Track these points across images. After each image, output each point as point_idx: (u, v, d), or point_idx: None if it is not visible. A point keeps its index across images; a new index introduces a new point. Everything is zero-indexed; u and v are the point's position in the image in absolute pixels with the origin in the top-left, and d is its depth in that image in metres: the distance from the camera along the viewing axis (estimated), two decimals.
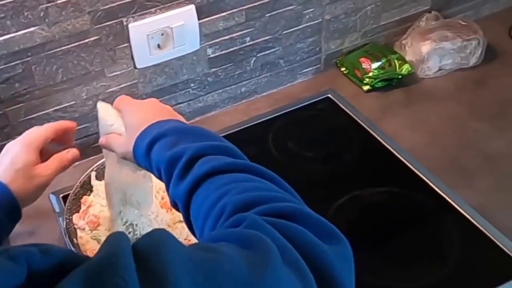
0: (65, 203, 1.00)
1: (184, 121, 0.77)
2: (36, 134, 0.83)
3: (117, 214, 0.92)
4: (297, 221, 0.53)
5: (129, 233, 0.91)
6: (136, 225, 0.90)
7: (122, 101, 0.82)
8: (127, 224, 0.92)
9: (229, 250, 0.48)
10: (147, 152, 0.71)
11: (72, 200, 0.98)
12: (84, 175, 1.02)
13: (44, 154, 0.83)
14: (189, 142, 0.68)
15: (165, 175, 0.68)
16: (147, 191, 0.91)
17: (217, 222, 0.56)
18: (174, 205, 0.67)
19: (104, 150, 0.86)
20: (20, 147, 0.81)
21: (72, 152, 0.85)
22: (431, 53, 1.30)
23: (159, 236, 0.46)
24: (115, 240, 0.45)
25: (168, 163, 0.67)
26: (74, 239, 0.93)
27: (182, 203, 0.64)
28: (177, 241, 0.46)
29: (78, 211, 0.98)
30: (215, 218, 0.57)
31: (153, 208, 0.92)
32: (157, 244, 0.44)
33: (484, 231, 0.98)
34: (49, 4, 0.98)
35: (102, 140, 0.83)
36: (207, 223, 0.58)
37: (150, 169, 0.72)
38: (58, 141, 0.86)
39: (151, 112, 0.77)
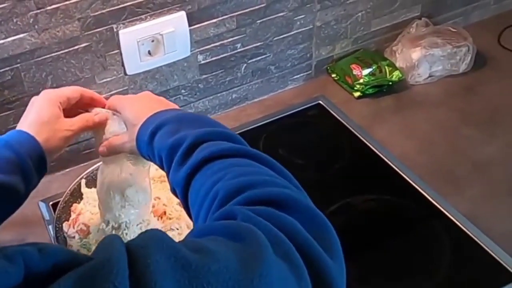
0: (54, 211, 0.99)
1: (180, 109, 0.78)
2: (61, 90, 0.84)
3: (107, 221, 0.92)
4: (288, 208, 0.53)
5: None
6: (127, 234, 0.89)
7: (115, 100, 0.83)
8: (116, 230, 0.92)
9: (218, 247, 0.47)
10: (150, 141, 0.72)
11: (62, 208, 0.97)
12: (74, 182, 1.01)
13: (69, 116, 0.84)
14: (190, 129, 0.68)
15: (166, 162, 0.68)
16: (146, 189, 0.91)
17: (210, 208, 0.57)
18: (174, 192, 0.68)
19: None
20: (45, 101, 0.81)
21: (100, 115, 0.84)
22: (421, 59, 1.30)
23: (150, 237, 0.46)
24: (109, 244, 0.44)
25: (169, 150, 0.67)
26: (45, 242, 0.91)
27: (181, 189, 0.65)
28: (166, 241, 0.45)
29: (68, 219, 0.97)
30: (209, 204, 0.57)
31: (144, 216, 0.91)
32: (146, 245, 0.44)
33: (475, 238, 0.99)
34: (38, 11, 0.98)
35: (102, 148, 0.83)
36: (202, 210, 0.58)
37: (152, 159, 0.73)
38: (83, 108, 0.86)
39: (148, 103, 0.78)
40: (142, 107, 0.77)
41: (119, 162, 0.86)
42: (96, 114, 0.84)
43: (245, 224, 0.50)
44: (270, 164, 0.62)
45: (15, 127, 1.04)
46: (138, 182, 0.89)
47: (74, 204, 0.99)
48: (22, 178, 0.75)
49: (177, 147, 0.66)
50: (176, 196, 0.68)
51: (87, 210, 0.98)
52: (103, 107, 0.86)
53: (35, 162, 0.76)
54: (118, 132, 0.82)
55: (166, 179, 1.00)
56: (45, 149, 0.78)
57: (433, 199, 1.05)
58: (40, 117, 0.80)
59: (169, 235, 0.46)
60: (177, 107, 0.79)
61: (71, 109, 0.84)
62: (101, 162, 0.89)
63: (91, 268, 0.41)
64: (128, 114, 0.79)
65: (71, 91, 0.84)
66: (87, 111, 0.86)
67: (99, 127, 0.84)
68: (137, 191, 0.89)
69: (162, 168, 0.71)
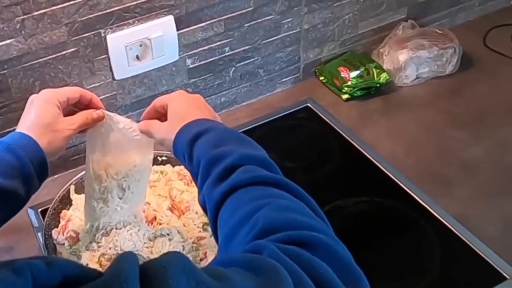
0: (43, 217, 0.99)
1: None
2: (61, 90, 0.83)
3: (97, 225, 0.92)
4: (323, 254, 0.53)
5: (110, 247, 0.89)
6: (117, 240, 0.89)
7: (166, 96, 0.83)
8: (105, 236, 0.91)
9: (240, 277, 0.47)
10: (192, 141, 0.72)
11: (51, 215, 0.96)
12: (63, 189, 1.00)
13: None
14: (233, 145, 0.69)
15: (202, 171, 0.69)
16: (144, 184, 0.91)
17: (248, 235, 0.57)
18: (203, 204, 0.69)
19: (95, 137, 0.86)
20: (44, 101, 0.80)
21: (98, 112, 0.84)
22: (408, 61, 1.31)
23: (173, 258, 0.45)
24: (122, 260, 0.44)
25: (209, 160, 0.68)
26: (54, 255, 0.91)
27: (213, 205, 0.65)
28: (188, 265, 0.45)
29: (57, 226, 0.97)
30: (246, 232, 0.57)
31: (134, 223, 0.91)
32: (168, 265, 0.44)
33: (464, 239, 1.00)
34: (25, 16, 0.97)
35: (141, 124, 0.83)
36: (238, 234, 0.58)
37: (186, 159, 0.73)
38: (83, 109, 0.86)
39: (199, 107, 0.79)
40: (193, 107, 0.78)
41: (127, 150, 0.87)
42: (94, 110, 0.84)
43: (270, 260, 0.50)
44: (307, 201, 0.62)
45: (2, 134, 1.05)
46: (141, 174, 0.89)
47: (63, 211, 0.99)
48: (23, 182, 0.75)
49: (218, 162, 0.67)
50: (203, 208, 0.69)
51: (77, 217, 0.97)
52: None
53: (36, 167, 0.76)
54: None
55: (155, 184, 1.01)
56: (47, 151, 0.77)
57: (422, 201, 1.06)
58: (40, 118, 0.79)
59: (190, 260, 0.46)
60: (220, 120, 0.80)
61: (69, 110, 0.84)
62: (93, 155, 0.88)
63: (101, 283, 0.41)
64: (176, 107, 0.79)
65: (71, 92, 0.83)
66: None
67: (97, 124, 0.85)
68: (137, 185, 0.89)
69: (190, 171, 0.73)
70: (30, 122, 0.79)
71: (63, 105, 0.81)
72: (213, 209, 0.65)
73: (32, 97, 0.82)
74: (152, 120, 0.82)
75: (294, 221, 0.57)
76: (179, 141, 0.75)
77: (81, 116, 0.83)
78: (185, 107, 0.79)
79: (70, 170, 1.14)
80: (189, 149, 0.72)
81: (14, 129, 1.04)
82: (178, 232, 0.91)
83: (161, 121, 0.81)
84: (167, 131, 0.78)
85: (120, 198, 0.90)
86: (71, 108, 0.84)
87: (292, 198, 0.62)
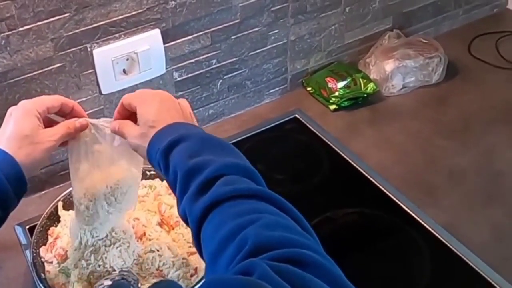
0: (31, 234, 0.98)
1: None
2: (40, 99, 0.80)
3: (85, 240, 0.91)
4: (315, 272, 0.52)
5: (99, 265, 0.89)
6: (106, 257, 0.88)
7: (133, 94, 0.79)
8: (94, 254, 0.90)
9: None
10: (167, 151, 0.69)
11: (39, 233, 0.95)
12: (51, 205, 0.99)
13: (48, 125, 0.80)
14: (212, 154, 0.67)
15: (180, 183, 0.67)
16: (134, 194, 0.89)
17: (237, 254, 0.55)
18: (183, 216, 0.67)
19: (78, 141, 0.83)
20: (22, 113, 0.77)
21: (81, 120, 0.81)
22: (395, 71, 1.32)
23: None
24: None
25: (187, 172, 0.66)
26: (42, 274, 0.90)
27: (195, 220, 0.63)
28: None
29: (45, 244, 0.96)
30: (235, 251, 0.56)
31: (124, 239, 0.90)
32: None
33: (453, 248, 1.00)
34: (10, 32, 0.96)
35: (114, 124, 0.79)
36: (226, 252, 0.57)
37: (162, 169, 0.71)
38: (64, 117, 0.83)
39: (168, 110, 0.75)
40: (162, 110, 0.74)
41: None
42: (76, 119, 0.81)
43: (261, 283, 0.49)
44: (293, 214, 0.61)
45: None
46: (129, 185, 0.88)
47: (52, 228, 0.98)
48: None
49: (197, 173, 0.65)
50: (185, 221, 0.67)
51: (65, 234, 0.96)
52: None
53: (12, 182, 0.73)
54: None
55: (144, 199, 1.00)
56: (26, 165, 0.75)
57: (411, 211, 1.06)
58: (19, 130, 0.76)
59: None
60: (195, 122, 0.77)
61: (50, 120, 0.81)
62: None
63: None
64: (146, 112, 0.75)
65: (51, 100, 0.80)
66: None
67: (80, 133, 0.82)
68: (125, 196, 0.88)
69: (167, 180, 0.70)
70: (7, 135, 0.76)
71: (43, 115, 0.79)
72: (195, 223, 0.63)
73: (11, 109, 0.79)
74: (126, 121, 0.78)
75: (285, 239, 0.56)
76: (152, 150, 0.72)
77: (63, 126, 0.80)
78: (155, 111, 0.74)
79: (58, 186, 1.13)
80: (164, 158, 0.70)
81: None
82: (168, 248, 0.90)
83: (132, 119, 0.78)
84: (140, 137, 0.75)
85: (108, 210, 0.88)
86: (52, 119, 0.82)
87: (279, 213, 0.61)
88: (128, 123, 0.78)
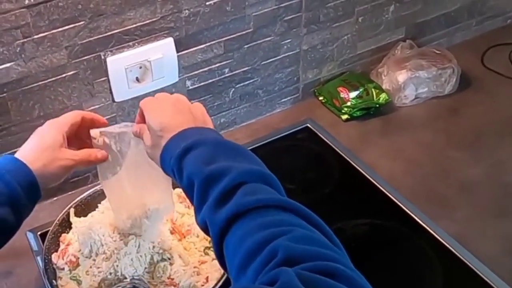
0: (43, 241, 0.98)
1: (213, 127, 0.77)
2: (64, 118, 0.84)
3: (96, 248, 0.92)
4: (346, 285, 0.52)
5: (111, 273, 0.89)
6: (118, 265, 0.88)
7: (145, 101, 0.80)
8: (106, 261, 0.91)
9: None
10: (180, 157, 0.69)
11: (51, 239, 0.96)
12: (63, 212, 1.00)
13: (73, 143, 0.84)
14: (227, 160, 0.67)
15: (198, 191, 0.66)
16: (169, 193, 0.89)
17: (265, 266, 0.55)
18: (203, 226, 0.66)
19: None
20: (47, 128, 0.81)
21: (102, 152, 0.85)
22: (407, 82, 1.32)
23: None
24: None
25: (205, 180, 0.65)
26: (53, 280, 0.90)
27: (217, 231, 0.62)
28: None
29: (56, 250, 0.96)
30: (264, 260, 0.55)
31: (133, 248, 0.90)
32: None
33: (464, 260, 0.99)
34: (25, 40, 0.97)
35: (136, 127, 0.80)
36: (254, 263, 0.56)
37: (176, 176, 0.70)
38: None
39: (174, 117, 0.75)
40: (167, 118, 0.74)
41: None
42: (98, 150, 0.84)
43: None
44: (318, 225, 0.61)
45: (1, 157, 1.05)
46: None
47: (63, 234, 0.98)
48: (12, 208, 0.74)
49: (215, 181, 0.64)
50: (204, 231, 0.66)
51: (76, 240, 0.97)
52: (104, 126, 0.87)
53: (26, 190, 0.75)
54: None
55: None
56: (41, 175, 0.76)
57: (422, 222, 1.06)
58: (41, 142, 0.79)
59: None
60: (210, 124, 0.77)
61: (75, 134, 0.84)
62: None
63: None
64: (151, 121, 0.75)
65: (72, 117, 0.84)
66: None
67: (100, 163, 0.85)
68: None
69: (181, 187, 0.70)
70: (29, 146, 0.79)
71: (68, 133, 0.82)
72: (217, 234, 0.62)
73: (37, 129, 0.83)
74: (144, 125, 0.79)
75: (316, 252, 0.56)
76: (166, 157, 0.72)
77: (84, 152, 0.83)
78: (162, 119, 0.74)
79: (70, 192, 1.14)
80: (177, 165, 0.69)
81: (13, 152, 1.04)
82: (180, 256, 0.90)
83: None
84: (152, 147, 0.75)
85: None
86: (80, 136, 0.85)
87: (307, 226, 0.60)
88: (146, 128, 0.78)
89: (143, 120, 0.79)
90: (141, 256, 0.88)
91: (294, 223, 0.60)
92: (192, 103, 0.80)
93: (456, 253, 1.01)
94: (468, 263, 0.99)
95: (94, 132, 0.86)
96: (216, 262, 0.90)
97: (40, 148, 0.78)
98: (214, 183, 0.65)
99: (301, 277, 0.51)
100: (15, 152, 1.04)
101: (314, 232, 0.59)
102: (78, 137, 0.85)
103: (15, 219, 0.75)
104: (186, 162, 0.69)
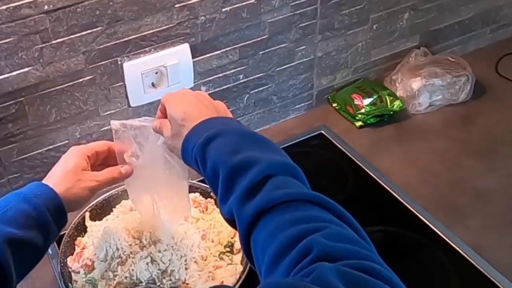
0: (58, 244, 0.98)
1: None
2: (89, 145, 0.87)
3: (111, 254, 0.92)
4: (383, 283, 0.52)
5: (126, 277, 0.89)
6: (133, 269, 0.88)
7: (166, 96, 0.80)
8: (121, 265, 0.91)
9: None
10: (203, 147, 0.68)
11: (66, 243, 0.96)
12: (78, 216, 1.00)
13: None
14: (253, 150, 0.66)
15: (224, 181, 0.65)
16: (185, 193, 0.90)
17: (298, 262, 0.54)
18: (229, 217, 0.65)
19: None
20: (73, 154, 0.84)
21: (126, 167, 0.86)
22: (422, 89, 1.31)
23: None
24: None
25: (232, 169, 0.64)
26: (69, 284, 0.91)
27: (245, 224, 0.61)
28: None
29: (72, 254, 0.97)
30: (297, 257, 0.55)
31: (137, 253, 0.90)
32: None
33: (481, 269, 0.99)
34: (44, 45, 0.98)
35: (155, 122, 0.81)
36: (286, 258, 0.55)
37: (199, 165, 0.69)
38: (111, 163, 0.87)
39: (198, 104, 0.75)
40: (190, 108, 0.74)
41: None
42: (121, 166, 0.86)
43: (307, 285, 0.49)
44: (352, 223, 0.60)
45: (18, 160, 1.06)
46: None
47: (78, 238, 0.99)
48: (40, 231, 0.75)
49: (242, 172, 0.63)
50: (229, 222, 0.65)
51: (91, 244, 0.97)
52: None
53: (53, 214, 0.76)
54: (137, 153, 0.85)
55: None
56: (66, 198, 0.78)
57: (437, 229, 1.06)
58: (64, 167, 0.81)
59: None
60: (229, 113, 0.77)
61: (103, 163, 0.86)
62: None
63: None
64: (172, 112, 0.75)
65: (100, 145, 0.86)
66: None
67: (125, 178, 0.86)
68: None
69: (204, 176, 0.69)
70: (54, 172, 0.82)
71: (92, 158, 0.84)
72: (245, 227, 0.61)
73: (62, 156, 0.85)
74: (165, 120, 0.78)
75: (351, 250, 0.55)
76: (188, 146, 0.71)
77: (107, 172, 0.84)
78: (182, 110, 0.74)
79: None
80: (201, 154, 0.68)
81: (30, 155, 1.06)
82: (195, 261, 0.91)
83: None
84: (173, 138, 0.75)
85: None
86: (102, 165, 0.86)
87: (339, 222, 0.59)
88: (167, 122, 0.78)
89: (164, 115, 0.79)
90: (156, 260, 0.88)
91: (326, 219, 0.59)
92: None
93: (472, 261, 1.00)
94: (484, 272, 0.98)
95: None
96: (231, 267, 0.92)
97: (63, 172, 0.81)
98: (241, 174, 0.64)
99: (341, 272, 0.50)
100: (31, 155, 1.07)
101: (347, 229, 0.59)
102: (107, 166, 0.86)
103: (43, 242, 0.76)
104: (210, 151, 0.68)
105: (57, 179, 0.80)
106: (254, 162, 0.64)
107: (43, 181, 0.80)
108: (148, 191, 0.89)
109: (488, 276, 0.97)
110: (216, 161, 0.67)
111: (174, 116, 0.75)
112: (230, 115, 0.78)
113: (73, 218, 1.00)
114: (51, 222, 0.76)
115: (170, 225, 0.92)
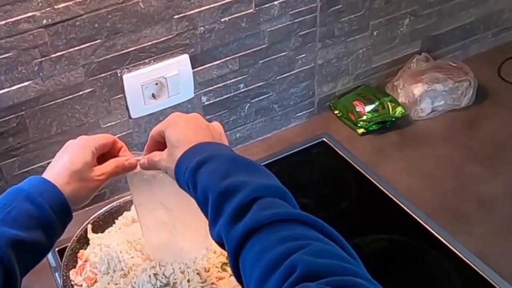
0: (61, 257, 0.98)
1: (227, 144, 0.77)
2: (96, 136, 0.84)
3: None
4: None
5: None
6: (135, 282, 0.88)
7: (161, 122, 0.80)
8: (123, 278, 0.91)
9: None
10: (194, 171, 0.69)
11: (69, 255, 0.96)
12: (81, 228, 1.00)
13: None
14: (242, 175, 0.67)
15: (213, 205, 0.66)
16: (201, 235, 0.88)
17: (284, 281, 0.54)
18: (218, 240, 0.66)
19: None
20: (80, 147, 0.80)
21: (130, 160, 0.84)
22: (424, 95, 1.31)
23: None
24: None
25: (220, 194, 0.65)
26: None
27: (234, 245, 0.62)
28: None
29: (74, 267, 0.96)
30: (282, 276, 0.55)
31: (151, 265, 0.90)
32: None
33: (485, 276, 0.98)
34: (43, 59, 0.98)
35: (144, 161, 0.81)
36: (272, 278, 0.56)
37: (190, 189, 0.71)
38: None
39: (195, 130, 0.76)
40: (187, 131, 0.75)
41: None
42: (126, 158, 0.84)
43: None
44: (335, 238, 0.60)
45: (20, 174, 1.06)
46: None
47: (81, 251, 0.99)
48: (44, 231, 0.74)
49: (230, 196, 0.64)
50: (220, 245, 0.66)
51: (94, 257, 0.97)
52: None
53: (58, 213, 0.75)
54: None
55: None
56: (71, 198, 0.77)
57: (441, 237, 1.05)
58: (70, 164, 0.78)
59: None
60: (226, 142, 0.78)
61: (106, 155, 0.84)
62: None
63: None
64: (172, 133, 0.76)
65: (105, 137, 0.84)
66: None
67: (130, 171, 0.84)
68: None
69: (196, 200, 0.70)
70: (59, 167, 0.79)
71: (98, 151, 0.82)
72: (233, 249, 0.62)
73: (68, 142, 0.82)
74: (152, 152, 0.80)
75: (336, 266, 0.55)
76: (180, 170, 0.72)
77: (112, 164, 0.83)
78: (182, 132, 0.75)
79: (87, 208, 1.13)
80: (192, 178, 0.70)
81: (32, 169, 1.07)
82: (197, 273, 0.90)
83: (162, 150, 0.79)
84: (168, 159, 0.76)
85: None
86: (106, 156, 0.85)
87: (324, 239, 0.59)
88: (154, 153, 0.80)
89: (154, 146, 0.81)
90: (158, 273, 0.88)
91: (312, 236, 0.59)
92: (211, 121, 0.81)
93: (477, 269, 0.99)
94: (488, 280, 0.97)
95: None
96: (233, 278, 0.91)
97: (69, 171, 0.78)
98: (229, 197, 0.65)
99: None
100: (33, 169, 1.07)
101: (332, 246, 0.59)
102: (107, 159, 0.85)
103: (47, 241, 0.75)
104: (201, 175, 0.69)
105: (63, 177, 0.77)
106: (242, 186, 0.65)
107: (46, 175, 0.78)
108: (163, 220, 0.88)
109: (493, 283, 0.97)
110: (206, 186, 0.68)
111: (171, 138, 0.76)
112: (226, 140, 0.79)
113: (75, 231, 1.00)
114: (55, 221, 0.75)
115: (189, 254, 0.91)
